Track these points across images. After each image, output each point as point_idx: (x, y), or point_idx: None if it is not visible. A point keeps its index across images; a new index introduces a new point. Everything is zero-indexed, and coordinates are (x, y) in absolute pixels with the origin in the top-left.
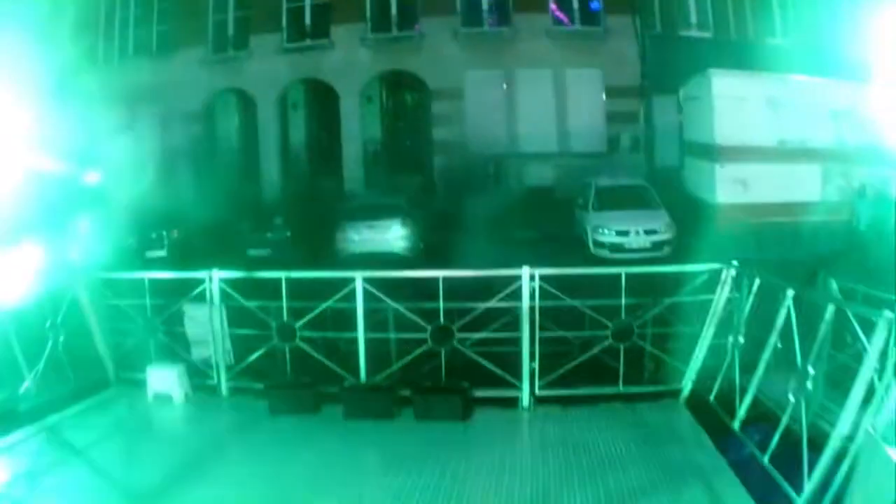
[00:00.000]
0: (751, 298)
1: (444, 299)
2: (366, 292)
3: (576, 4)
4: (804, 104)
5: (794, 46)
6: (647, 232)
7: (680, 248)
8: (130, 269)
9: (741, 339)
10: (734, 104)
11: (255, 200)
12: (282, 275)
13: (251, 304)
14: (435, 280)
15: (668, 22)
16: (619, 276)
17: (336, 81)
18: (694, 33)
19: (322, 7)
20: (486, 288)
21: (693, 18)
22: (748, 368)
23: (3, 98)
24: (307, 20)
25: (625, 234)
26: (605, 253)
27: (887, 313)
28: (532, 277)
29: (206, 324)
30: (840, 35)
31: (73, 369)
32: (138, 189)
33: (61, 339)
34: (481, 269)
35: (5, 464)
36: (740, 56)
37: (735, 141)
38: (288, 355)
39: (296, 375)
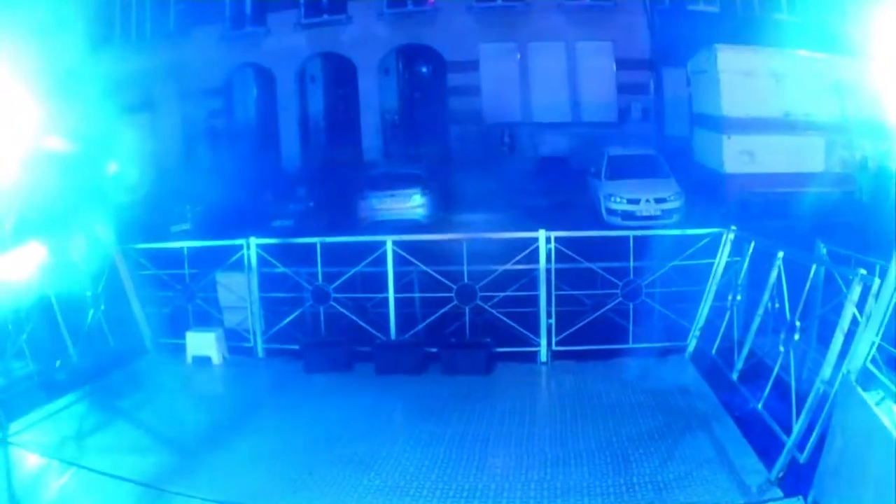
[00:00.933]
0: (747, 260)
1: (466, 264)
2: (394, 256)
3: None
4: (808, 78)
5: (798, 22)
6: (658, 200)
7: (689, 216)
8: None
9: (739, 298)
10: (739, 78)
11: (276, 172)
12: (316, 240)
13: (287, 270)
14: (453, 247)
15: None
16: (628, 239)
17: (354, 55)
18: (701, 7)
19: None
20: (503, 253)
21: None
22: (747, 325)
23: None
24: None
25: (636, 202)
26: (616, 220)
27: (861, 271)
28: (548, 240)
29: (238, 291)
30: (843, 11)
31: (115, 337)
32: (159, 166)
33: (102, 308)
34: (501, 233)
35: (53, 427)
36: (746, 31)
37: (741, 113)
38: (322, 317)
39: (329, 335)
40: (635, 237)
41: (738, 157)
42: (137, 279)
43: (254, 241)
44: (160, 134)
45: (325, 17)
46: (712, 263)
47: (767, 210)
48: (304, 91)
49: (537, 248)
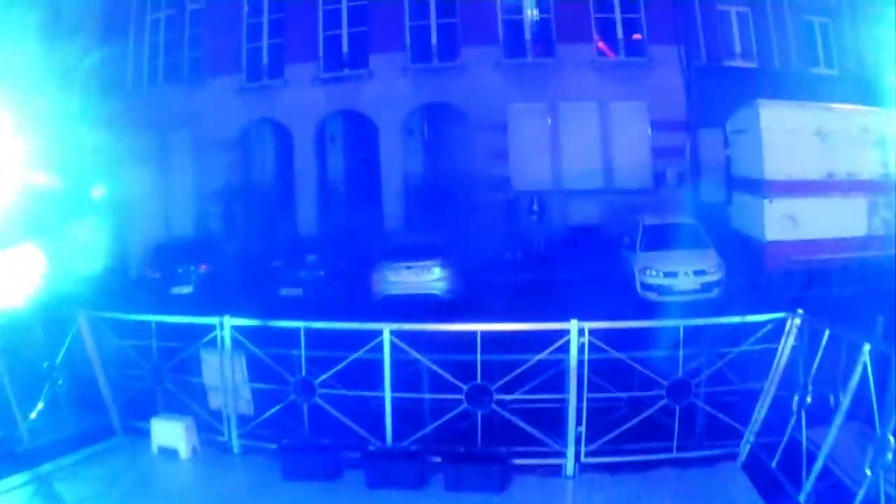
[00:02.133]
0: (819, 351)
1: (483, 351)
2: (395, 345)
3: (620, 34)
4: (851, 134)
5: (838, 75)
6: (697, 273)
7: (727, 288)
8: (154, 305)
9: (808, 399)
10: (783, 136)
11: (289, 235)
12: (300, 325)
13: (266, 355)
14: (467, 332)
15: (712, 52)
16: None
17: (375, 113)
18: (738, 63)
19: (360, 35)
20: (526, 340)
21: (737, 48)
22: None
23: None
24: (344, 49)
25: (673, 275)
26: (652, 295)
27: None
28: (581, 332)
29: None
30: (884, 62)
31: (76, 414)
32: (166, 221)
33: (60, 381)
34: (524, 323)
35: None
36: (785, 86)
37: (784, 175)
38: (306, 413)
39: (314, 436)
40: (679, 320)
41: (780, 223)
42: (108, 350)
43: (228, 321)
44: (170, 186)
45: (346, 71)
46: (770, 350)
47: (809, 279)
48: (322, 150)
49: (568, 340)
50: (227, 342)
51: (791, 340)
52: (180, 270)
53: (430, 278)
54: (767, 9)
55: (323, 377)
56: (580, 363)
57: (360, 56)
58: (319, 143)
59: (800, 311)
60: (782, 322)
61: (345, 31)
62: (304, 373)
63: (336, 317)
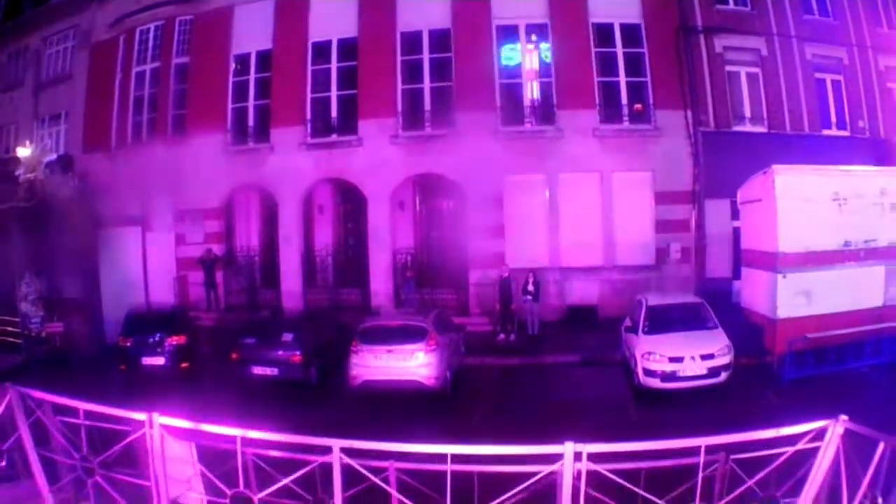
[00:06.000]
0: (872, 467)
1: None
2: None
3: (624, 100)
4: (869, 198)
5: (851, 137)
6: (704, 357)
7: (736, 371)
8: (124, 377)
9: None
10: (800, 205)
11: (273, 311)
12: (237, 433)
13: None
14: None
15: (721, 116)
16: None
17: (364, 183)
18: (748, 128)
19: (349, 99)
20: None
21: (747, 112)
22: None
23: None
24: (333, 113)
25: (678, 360)
26: (655, 382)
27: None
28: (578, 456)
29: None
30: None
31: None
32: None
33: None
34: (507, 446)
35: None
36: (795, 150)
37: (799, 247)
38: None
39: None
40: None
41: (793, 299)
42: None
43: (158, 419)
44: (150, 252)
45: (334, 137)
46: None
47: (822, 356)
48: (309, 221)
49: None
50: (157, 441)
51: (830, 454)
52: (151, 341)
53: (414, 364)
54: (779, 68)
55: (263, 494)
56: (576, 491)
57: (350, 121)
58: (305, 212)
59: (843, 417)
60: (820, 432)
61: (334, 93)
62: (241, 486)
63: (311, 402)
